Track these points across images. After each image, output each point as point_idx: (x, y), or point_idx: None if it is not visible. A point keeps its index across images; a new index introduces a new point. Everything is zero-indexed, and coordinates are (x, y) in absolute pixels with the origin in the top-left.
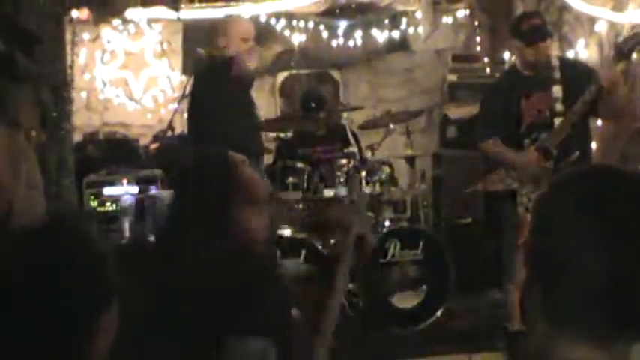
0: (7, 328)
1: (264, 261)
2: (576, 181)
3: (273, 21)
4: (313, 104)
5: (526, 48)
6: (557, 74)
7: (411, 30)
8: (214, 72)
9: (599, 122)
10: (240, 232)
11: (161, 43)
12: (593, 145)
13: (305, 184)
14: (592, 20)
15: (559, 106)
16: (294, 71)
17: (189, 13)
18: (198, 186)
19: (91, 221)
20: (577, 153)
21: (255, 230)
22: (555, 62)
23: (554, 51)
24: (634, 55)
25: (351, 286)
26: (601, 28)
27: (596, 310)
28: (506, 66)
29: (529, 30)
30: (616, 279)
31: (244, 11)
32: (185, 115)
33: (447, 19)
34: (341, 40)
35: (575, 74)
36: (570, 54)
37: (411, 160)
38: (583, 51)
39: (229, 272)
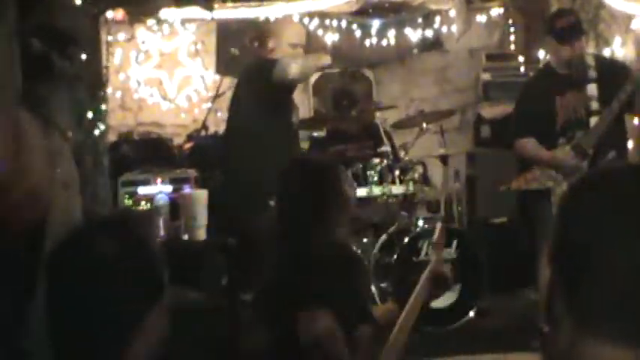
0: (66, 316)
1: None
2: (601, 179)
3: (306, 20)
4: (345, 102)
5: (560, 46)
6: (592, 72)
7: (444, 29)
8: (259, 73)
9: (635, 121)
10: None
11: (195, 43)
12: (630, 144)
13: None
14: (629, 18)
15: (595, 105)
16: (327, 70)
17: (222, 12)
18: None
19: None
20: (613, 152)
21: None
22: (591, 60)
23: (590, 49)
24: None
25: (383, 284)
26: (638, 25)
27: (623, 309)
28: (541, 64)
29: (564, 28)
30: None
31: (278, 11)
32: (219, 115)
33: (481, 18)
34: (374, 39)
35: (611, 72)
36: (606, 52)
37: (444, 159)
38: (619, 49)
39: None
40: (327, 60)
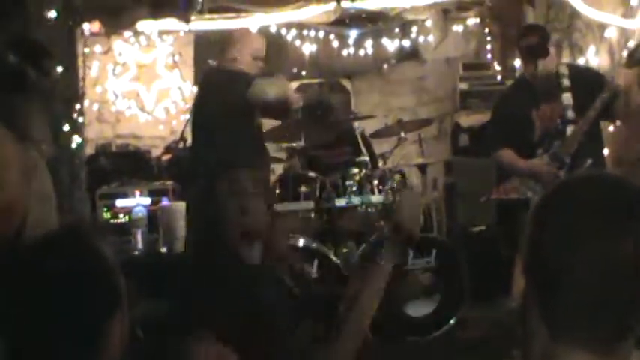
0: (24, 331)
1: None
2: (572, 189)
3: (283, 31)
4: (319, 112)
5: (525, 64)
6: (566, 82)
7: (421, 39)
8: (231, 86)
9: (610, 128)
10: None
11: (172, 55)
12: (606, 152)
13: (317, 193)
14: (602, 27)
15: (570, 114)
16: (305, 81)
17: (199, 24)
18: None
19: (103, 233)
20: (590, 160)
21: None
22: (564, 70)
23: (564, 58)
24: None
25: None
26: (611, 34)
27: (596, 317)
28: (517, 73)
29: (526, 48)
30: (613, 286)
31: (255, 22)
32: None
33: (458, 28)
34: (352, 50)
35: (585, 81)
36: (581, 61)
37: (423, 168)
38: (593, 58)
39: None
40: (297, 101)
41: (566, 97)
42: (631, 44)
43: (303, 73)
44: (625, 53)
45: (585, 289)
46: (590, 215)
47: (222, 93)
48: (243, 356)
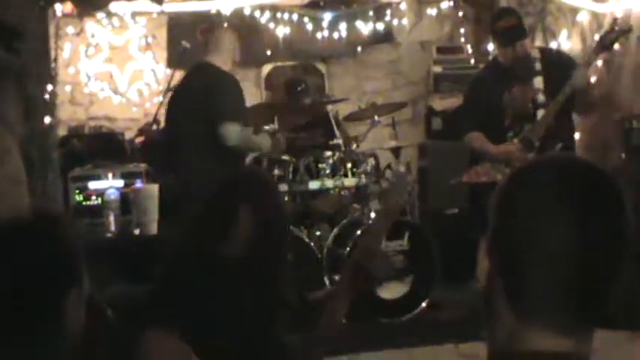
0: None
1: None
2: (536, 171)
3: (257, 13)
4: (299, 88)
5: (501, 47)
6: (538, 65)
7: (395, 22)
8: (205, 112)
9: None
10: None
11: (146, 37)
12: (577, 136)
13: (290, 176)
14: (575, 11)
15: (541, 98)
16: (279, 63)
17: (173, 6)
18: None
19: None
20: (560, 144)
21: None
22: (536, 53)
23: (537, 42)
24: (616, 46)
25: (337, 276)
26: (583, 18)
27: (559, 298)
28: (490, 57)
29: (503, 31)
30: (577, 267)
31: (229, 4)
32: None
33: (432, 11)
34: (325, 32)
35: (557, 65)
36: (553, 44)
37: (396, 152)
38: (566, 42)
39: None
40: (268, 147)
41: (538, 81)
42: (602, 31)
43: (277, 55)
44: (596, 37)
45: (548, 271)
46: (553, 197)
47: (201, 115)
48: (202, 351)
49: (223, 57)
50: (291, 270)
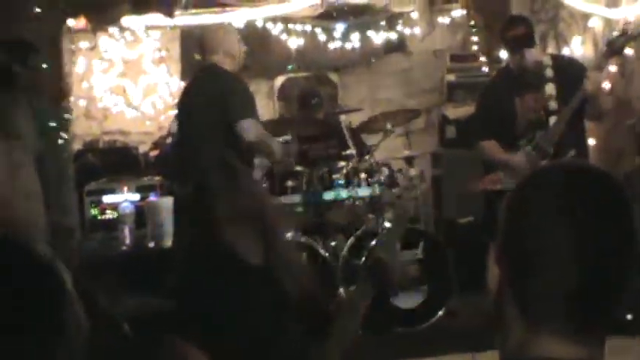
0: None
1: None
2: (546, 178)
3: (269, 25)
4: (313, 101)
5: (511, 55)
6: (549, 72)
7: (407, 31)
8: (219, 107)
9: None
10: None
11: (159, 50)
12: (591, 142)
13: (304, 187)
14: (587, 17)
15: (553, 104)
16: (292, 75)
17: (185, 19)
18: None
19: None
20: (573, 151)
21: None
22: (548, 60)
23: (549, 48)
24: (627, 51)
25: (352, 287)
26: (595, 24)
27: (570, 305)
28: (503, 65)
29: (512, 39)
30: (589, 274)
31: (241, 17)
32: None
33: (444, 20)
34: (338, 43)
35: (568, 72)
36: (566, 51)
37: (410, 161)
38: (579, 48)
39: None
40: (280, 153)
41: (550, 88)
42: (612, 35)
43: (290, 67)
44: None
45: (559, 277)
46: (563, 204)
47: (217, 97)
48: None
49: (228, 58)
50: (309, 280)
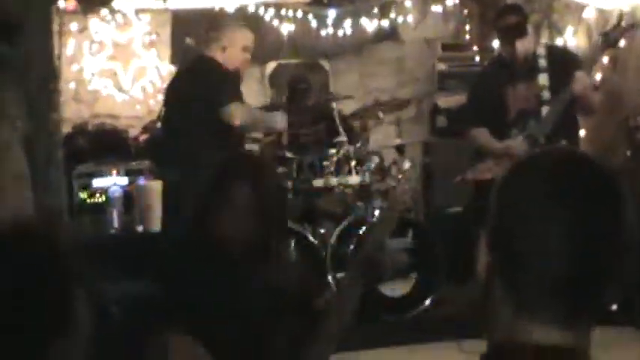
0: None
1: None
2: (535, 164)
3: (261, 10)
4: (301, 91)
5: (504, 44)
6: (543, 62)
7: (400, 19)
8: (207, 94)
9: None
10: None
11: (149, 34)
12: (582, 133)
13: (294, 174)
14: (581, 7)
15: (546, 95)
16: (283, 61)
17: (176, 2)
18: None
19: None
20: (564, 141)
21: None
22: (541, 50)
23: (543, 38)
24: (622, 43)
25: (340, 274)
26: (590, 15)
27: (558, 291)
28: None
29: (505, 28)
30: (578, 261)
31: (233, 1)
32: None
33: (436, 8)
34: (330, 30)
35: (562, 62)
36: (559, 41)
37: (400, 149)
38: (572, 38)
39: None
40: (282, 124)
41: (543, 78)
42: (606, 27)
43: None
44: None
45: (547, 264)
46: (552, 190)
47: (203, 86)
48: (213, 348)
49: (231, 55)
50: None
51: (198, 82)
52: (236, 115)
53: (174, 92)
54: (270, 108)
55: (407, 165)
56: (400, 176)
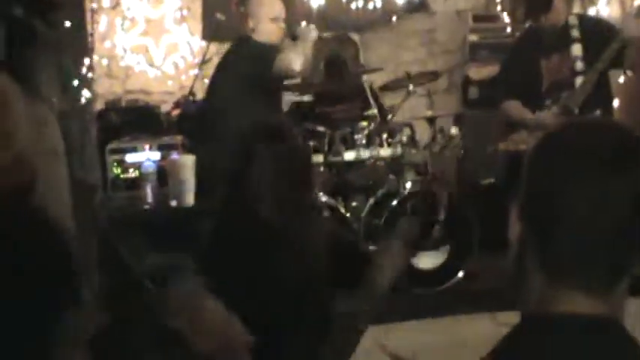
0: None
1: None
2: (566, 134)
3: None
4: (338, 62)
5: (530, 17)
6: (576, 33)
7: None
8: (256, 60)
9: (621, 79)
10: None
11: (181, 9)
12: (616, 103)
13: (326, 147)
14: None
15: (580, 65)
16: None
17: None
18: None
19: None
20: (598, 111)
21: None
22: (574, 20)
23: (575, 8)
24: None
25: (373, 247)
26: None
27: (592, 260)
28: (527, 25)
29: (531, 2)
30: (609, 227)
31: None
32: (206, 81)
33: None
34: (360, 3)
35: (595, 32)
36: (592, 11)
37: (432, 121)
38: (605, 8)
39: None
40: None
41: (576, 48)
42: None
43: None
44: (637, 3)
45: (581, 232)
46: (584, 158)
47: (248, 68)
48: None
49: (262, 28)
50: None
51: (242, 61)
52: (294, 59)
53: (221, 75)
54: (301, 84)
55: (454, 131)
56: (446, 143)
